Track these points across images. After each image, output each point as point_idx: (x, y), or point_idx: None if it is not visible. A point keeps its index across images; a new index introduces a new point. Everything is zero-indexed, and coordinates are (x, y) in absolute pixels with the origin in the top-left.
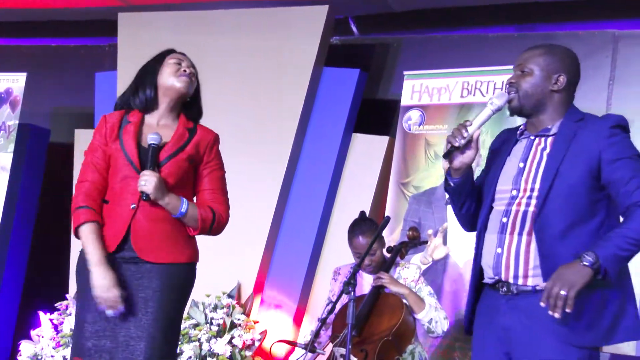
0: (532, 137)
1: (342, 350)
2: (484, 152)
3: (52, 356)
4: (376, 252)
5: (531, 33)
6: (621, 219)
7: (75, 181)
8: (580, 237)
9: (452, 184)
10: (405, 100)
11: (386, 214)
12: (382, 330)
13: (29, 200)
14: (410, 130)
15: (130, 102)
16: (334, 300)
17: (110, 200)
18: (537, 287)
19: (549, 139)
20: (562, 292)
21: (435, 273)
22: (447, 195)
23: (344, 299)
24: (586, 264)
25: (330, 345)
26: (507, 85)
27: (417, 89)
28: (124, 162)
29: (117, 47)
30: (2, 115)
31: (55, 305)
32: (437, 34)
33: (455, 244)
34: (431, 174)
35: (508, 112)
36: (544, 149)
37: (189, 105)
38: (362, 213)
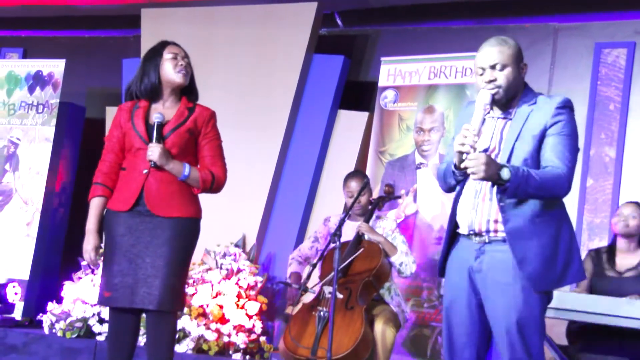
0: (495, 118)
1: (330, 289)
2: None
3: (90, 294)
4: (365, 195)
5: (487, 26)
6: None
7: None
8: (533, 201)
9: (459, 176)
10: (382, 82)
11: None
12: (363, 272)
13: (69, 165)
14: (386, 107)
15: (136, 90)
16: (318, 236)
17: (127, 167)
18: (506, 238)
19: (508, 122)
20: (471, 171)
21: (406, 226)
22: (417, 161)
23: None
24: (503, 177)
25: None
26: (486, 84)
27: (392, 72)
28: (136, 137)
29: (140, 38)
30: (46, 95)
31: None
32: (409, 26)
33: (424, 202)
34: (404, 143)
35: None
36: (503, 130)
37: (187, 89)
38: (357, 169)
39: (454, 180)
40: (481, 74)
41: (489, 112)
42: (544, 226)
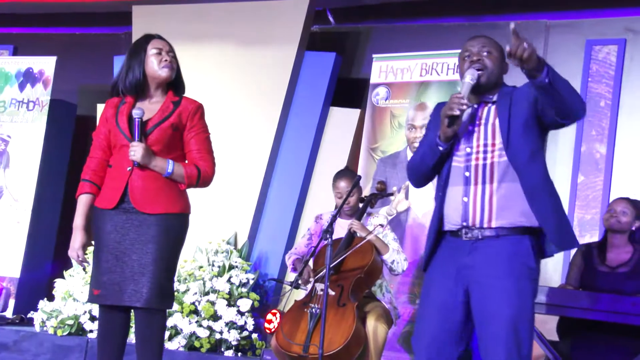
0: (475, 106)
1: (322, 286)
2: None
3: (81, 292)
4: (354, 196)
5: (478, 23)
6: None
7: None
8: (540, 161)
9: (442, 149)
10: (374, 79)
11: (358, 173)
12: (355, 269)
13: (60, 163)
14: (378, 104)
15: (122, 87)
16: (312, 233)
17: (113, 164)
18: (500, 234)
19: (493, 106)
20: (525, 45)
21: (399, 223)
22: (408, 158)
23: (324, 242)
24: (542, 60)
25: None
26: (471, 63)
27: (383, 69)
28: (119, 134)
29: (131, 35)
30: (37, 92)
31: None
32: (401, 23)
33: (416, 199)
34: (395, 140)
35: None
36: (489, 112)
37: (174, 83)
38: (346, 167)
39: (437, 156)
40: (467, 56)
41: (469, 107)
42: (550, 184)
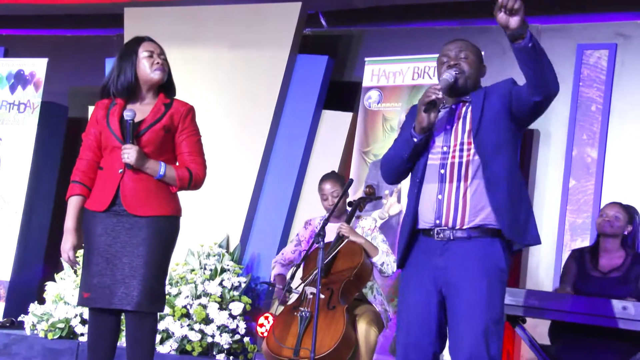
0: (453, 107)
1: (312, 289)
2: None
3: (72, 295)
4: (337, 198)
5: (470, 26)
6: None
7: None
8: (507, 155)
9: (416, 140)
10: (366, 82)
11: (350, 177)
12: (344, 271)
13: (51, 165)
14: (370, 107)
15: (113, 89)
16: (301, 240)
17: (104, 166)
18: (471, 235)
19: (470, 105)
20: (512, 4)
21: (390, 226)
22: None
23: (314, 246)
24: (525, 21)
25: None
26: (449, 67)
27: (376, 72)
28: (110, 136)
29: (123, 37)
30: (28, 94)
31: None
32: (393, 27)
33: None
34: (388, 144)
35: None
36: (466, 112)
37: (165, 85)
38: (332, 171)
39: (411, 148)
40: (445, 61)
41: (443, 104)
42: (514, 177)
